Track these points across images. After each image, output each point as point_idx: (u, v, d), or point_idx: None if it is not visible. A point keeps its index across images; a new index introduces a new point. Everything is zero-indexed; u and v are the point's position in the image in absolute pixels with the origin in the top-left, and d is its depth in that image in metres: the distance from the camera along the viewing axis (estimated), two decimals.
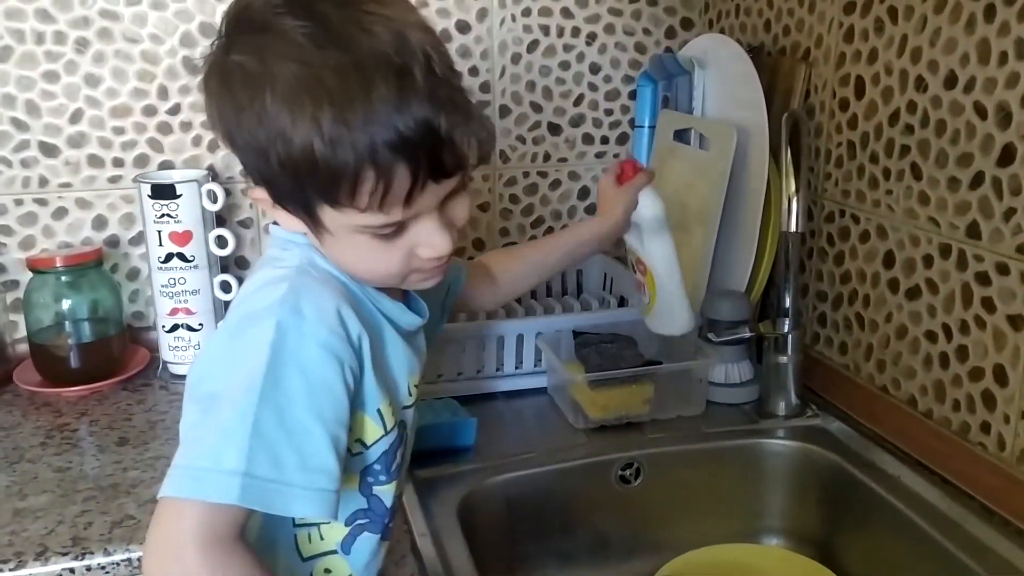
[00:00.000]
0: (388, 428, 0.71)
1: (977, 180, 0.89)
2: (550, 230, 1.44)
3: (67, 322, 1.19)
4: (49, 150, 1.23)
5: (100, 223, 1.27)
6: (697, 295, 1.17)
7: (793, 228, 0.97)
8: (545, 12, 1.35)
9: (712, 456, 1.06)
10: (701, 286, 1.17)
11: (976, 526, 0.87)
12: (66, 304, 1.19)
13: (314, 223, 0.65)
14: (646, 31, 1.39)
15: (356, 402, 0.67)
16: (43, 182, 1.24)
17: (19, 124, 1.21)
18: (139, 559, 0.84)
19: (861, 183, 1.06)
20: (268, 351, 0.61)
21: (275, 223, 0.71)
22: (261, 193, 0.67)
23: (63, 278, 1.18)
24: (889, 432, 1.03)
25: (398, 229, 0.65)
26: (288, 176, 0.61)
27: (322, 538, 0.72)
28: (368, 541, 0.74)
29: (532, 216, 1.43)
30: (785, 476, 1.06)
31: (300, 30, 0.59)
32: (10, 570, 0.83)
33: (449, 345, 1.12)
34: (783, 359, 1.08)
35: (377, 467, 0.71)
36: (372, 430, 0.70)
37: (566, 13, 1.35)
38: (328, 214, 0.63)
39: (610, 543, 1.04)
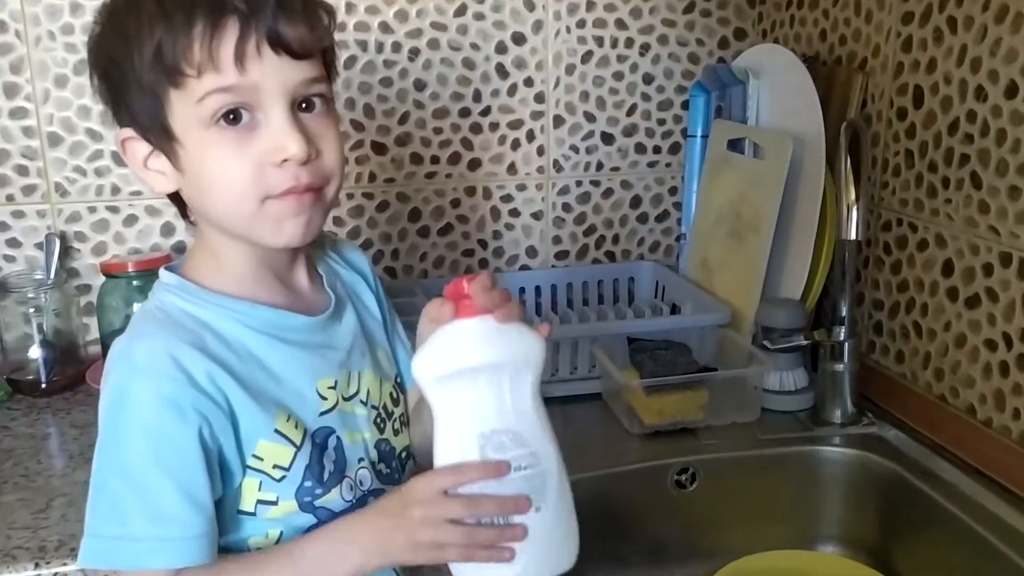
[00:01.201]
0: (299, 443, 0.69)
1: None
2: (602, 239, 1.46)
3: None
4: (121, 159, 1.27)
5: (168, 230, 1.31)
6: (752, 303, 1.17)
7: (852, 236, 0.98)
8: (599, 23, 1.37)
9: (768, 462, 1.07)
10: (756, 294, 1.18)
11: None
12: (136, 307, 1.23)
13: (168, 140, 0.65)
14: (699, 42, 1.41)
15: (243, 433, 0.67)
16: (115, 190, 1.29)
17: (94, 135, 1.26)
18: None
19: (919, 192, 1.06)
20: (109, 411, 0.65)
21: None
22: (128, 132, 0.68)
23: (134, 282, 1.23)
24: (947, 441, 1.03)
25: (249, 123, 0.64)
26: (137, 72, 0.63)
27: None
28: None
29: (584, 225, 1.45)
30: (841, 483, 1.06)
31: None
32: None
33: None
34: (839, 367, 1.08)
35: (308, 484, 0.70)
36: (282, 452, 0.68)
37: (620, 24, 1.37)
38: (176, 110, 0.64)
39: (666, 548, 1.05)
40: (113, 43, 0.65)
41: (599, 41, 1.38)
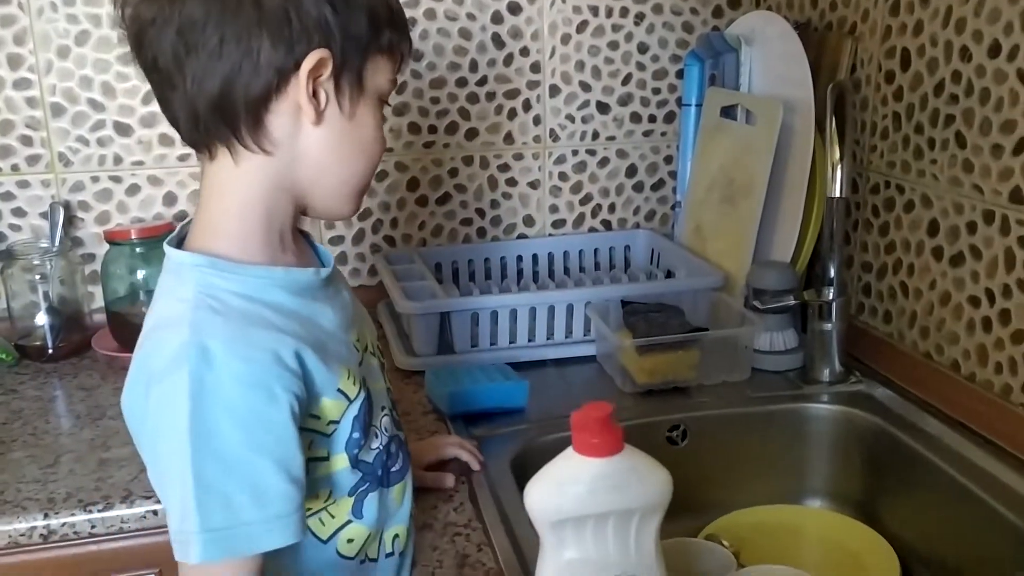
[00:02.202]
0: (353, 397, 0.71)
1: (1020, 145, 0.91)
2: (598, 208, 1.48)
3: (141, 292, 1.26)
4: (123, 130, 1.30)
5: (170, 199, 1.34)
6: (744, 266, 1.20)
7: (837, 193, 1.00)
8: None
9: (757, 419, 1.09)
10: (747, 258, 1.20)
11: (1016, 481, 0.90)
12: (140, 275, 1.26)
13: (359, 90, 0.69)
14: (693, 11, 1.42)
15: (312, 395, 0.67)
16: (117, 160, 1.31)
17: (96, 105, 1.28)
18: None
19: (906, 154, 1.08)
20: (188, 404, 0.61)
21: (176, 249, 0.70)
22: (323, 54, 0.65)
23: (137, 250, 1.25)
24: (932, 396, 1.05)
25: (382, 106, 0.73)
26: (370, 25, 0.68)
27: (333, 517, 0.73)
28: (380, 496, 0.75)
29: (581, 193, 1.47)
30: (828, 439, 1.09)
31: None
32: (99, 511, 0.89)
33: (502, 314, 1.17)
34: (827, 326, 1.10)
35: (356, 435, 0.71)
36: (338, 408, 0.70)
37: None
38: (378, 71, 0.70)
39: None
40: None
41: (594, 11, 1.39)
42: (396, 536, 0.77)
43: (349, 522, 0.73)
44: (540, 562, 0.62)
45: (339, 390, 0.69)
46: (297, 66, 0.65)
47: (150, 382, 0.64)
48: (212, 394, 0.62)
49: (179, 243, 0.71)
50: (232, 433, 0.62)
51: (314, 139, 0.68)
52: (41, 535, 0.88)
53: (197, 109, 0.65)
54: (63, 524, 0.88)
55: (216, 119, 0.65)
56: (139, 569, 0.93)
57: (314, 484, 0.70)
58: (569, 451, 0.60)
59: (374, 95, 0.71)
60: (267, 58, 0.64)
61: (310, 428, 0.68)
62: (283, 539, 0.64)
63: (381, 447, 0.74)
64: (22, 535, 0.88)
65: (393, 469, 0.76)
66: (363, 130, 0.70)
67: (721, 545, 0.94)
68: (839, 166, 0.99)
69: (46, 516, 0.88)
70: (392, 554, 0.77)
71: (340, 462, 0.71)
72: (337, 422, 0.70)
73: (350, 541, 0.73)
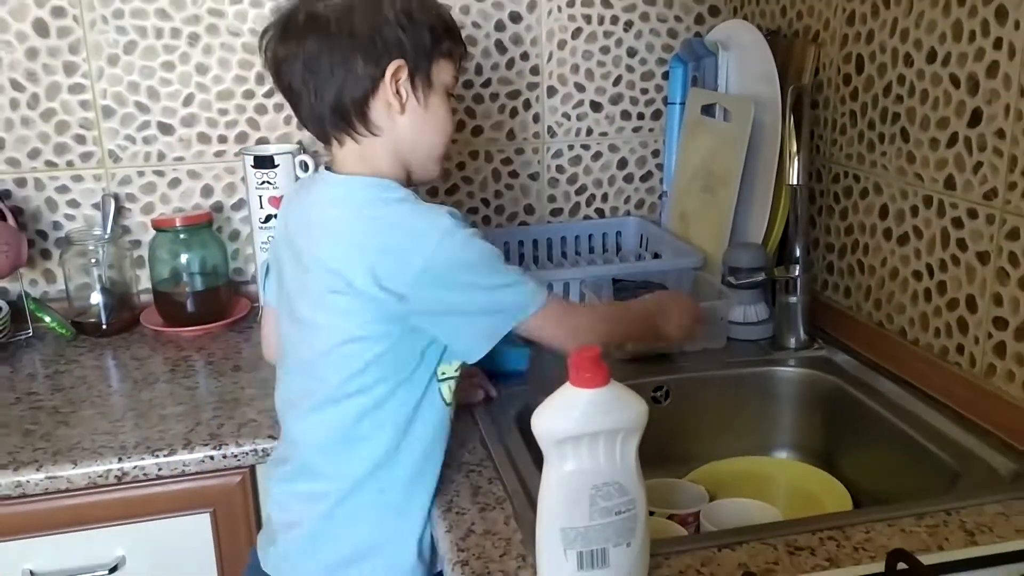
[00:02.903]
0: None
1: (952, 140, 1.06)
2: (592, 197, 1.63)
3: (184, 274, 1.41)
4: (166, 129, 1.45)
5: (207, 191, 1.49)
6: (722, 248, 1.34)
7: (794, 181, 1.15)
8: (587, 3, 1.53)
9: (731, 381, 1.24)
10: (725, 240, 1.35)
11: (951, 429, 1.04)
12: (183, 258, 1.41)
13: (426, 85, 0.94)
14: (677, 18, 1.57)
15: None
16: (161, 156, 1.46)
17: (142, 107, 1.43)
18: (263, 449, 1.06)
19: (861, 147, 1.23)
20: (471, 237, 0.91)
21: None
22: (399, 63, 0.92)
23: (181, 236, 1.40)
24: (884, 359, 1.20)
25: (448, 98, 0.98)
26: (431, 37, 0.93)
27: (451, 390, 0.97)
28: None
29: (576, 184, 1.62)
30: (794, 398, 1.24)
31: None
32: (164, 456, 1.05)
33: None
34: (793, 299, 1.25)
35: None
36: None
37: (606, 4, 1.54)
38: (441, 70, 0.95)
39: (644, 454, 1.20)
40: (420, 13, 0.94)
41: (587, 19, 1.54)
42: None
43: (450, 405, 0.98)
44: (545, 474, 0.75)
45: None
46: (383, 74, 0.92)
47: (430, 250, 0.89)
48: (464, 236, 0.91)
49: None
50: (485, 248, 0.93)
51: (404, 123, 0.95)
52: (116, 476, 1.03)
53: (322, 114, 0.93)
54: (134, 467, 1.04)
55: (336, 118, 0.93)
56: (197, 508, 1.08)
57: (450, 355, 0.95)
58: (567, 385, 0.74)
59: (442, 89, 0.96)
60: (362, 71, 0.91)
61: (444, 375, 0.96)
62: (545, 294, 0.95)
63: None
64: (100, 476, 1.03)
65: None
66: (437, 114, 0.96)
67: (697, 486, 1.09)
68: (796, 157, 1.14)
69: (120, 460, 1.04)
70: (451, 404, 0.99)
71: (455, 373, 0.97)
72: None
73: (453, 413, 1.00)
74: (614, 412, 0.72)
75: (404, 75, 0.93)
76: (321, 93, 0.92)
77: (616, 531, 0.74)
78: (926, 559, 0.77)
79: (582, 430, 0.71)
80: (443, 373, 0.95)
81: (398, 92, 0.93)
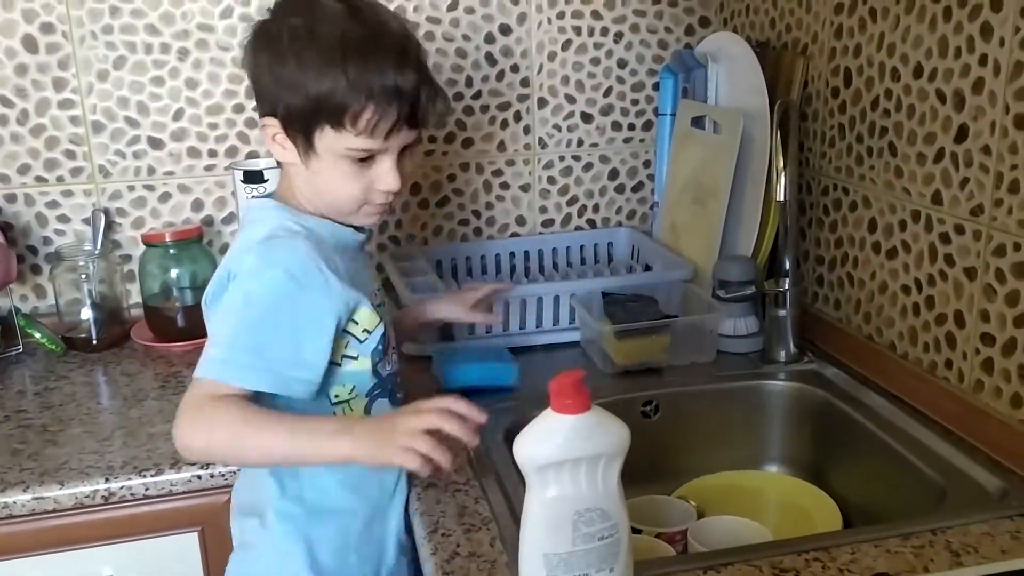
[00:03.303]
0: (380, 316, 0.96)
1: (939, 155, 1.06)
2: (583, 208, 1.63)
3: (174, 288, 1.41)
4: (156, 143, 1.45)
5: (197, 205, 1.49)
6: (711, 260, 1.34)
7: (781, 197, 1.15)
8: (577, 15, 1.53)
9: (721, 395, 1.24)
10: (715, 252, 1.35)
11: (939, 445, 1.04)
12: (173, 273, 1.41)
13: (308, 148, 0.90)
14: (667, 29, 1.57)
15: (351, 301, 0.92)
16: (151, 171, 1.46)
17: (132, 122, 1.43)
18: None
19: (850, 160, 1.23)
20: (249, 283, 0.87)
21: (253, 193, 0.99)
22: (272, 121, 0.91)
23: (171, 251, 1.40)
24: (873, 373, 1.20)
25: (368, 160, 0.90)
26: (311, 105, 0.87)
27: (351, 410, 0.96)
28: (383, 408, 0.98)
29: (567, 195, 1.62)
30: (784, 412, 1.24)
31: (338, 7, 0.89)
32: (151, 476, 1.04)
33: (496, 305, 1.32)
34: (782, 312, 1.25)
35: (379, 347, 0.96)
36: (371, 318, 0.94)
37: (596, 15, 1.54)
38: (326, 138, 0.89)
39: (633, 469, 1.18)
40: (291, 63, 0.88)
41: (577, 31, 1.54)
42: None
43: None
44: (527, 501, 0.75)
45: (372, 304, 0.95)
46: (261, 123, 0.93)
47: (229, 263, 0.91)
48: (266, 281, 0.87)
49: None
50: (278, 310, 0.87)
51: (299, 169, 0.93)
52: (103, 496, 1.03)
53: None
54: (121, 487, 1.04)
55: None
56: (185, 527, 1.08)
57: (345, 377, 0.94)
58: (548, 411, 0.74)
59: (333, 154, 0.90)
60: (257, 112, 0.95)
61: (350, 332, 0.93)
62: (276, 387, 0.87)
63: (393, 371, 1.00)
64: (87, 496, 1.03)
65: (397, 395, 1.01)
66: (324, 177, 0.92)
67: (686, 502, 1.09)
68: (783, 173, 1.13)
69: (107, 480, 1.03)
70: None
71: (365, 363, 0.95)
72: (370, 332, 0.95)
73: None
74: (596, 438, 0.72)
75: (277, 132, 0.91)
76: None
77: (599, 556, 0.74)
78: None
79: (564, 456, 0.71)
80: (336, 396, 0.95)
81: (276, 143, 0.92)
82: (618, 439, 0.73)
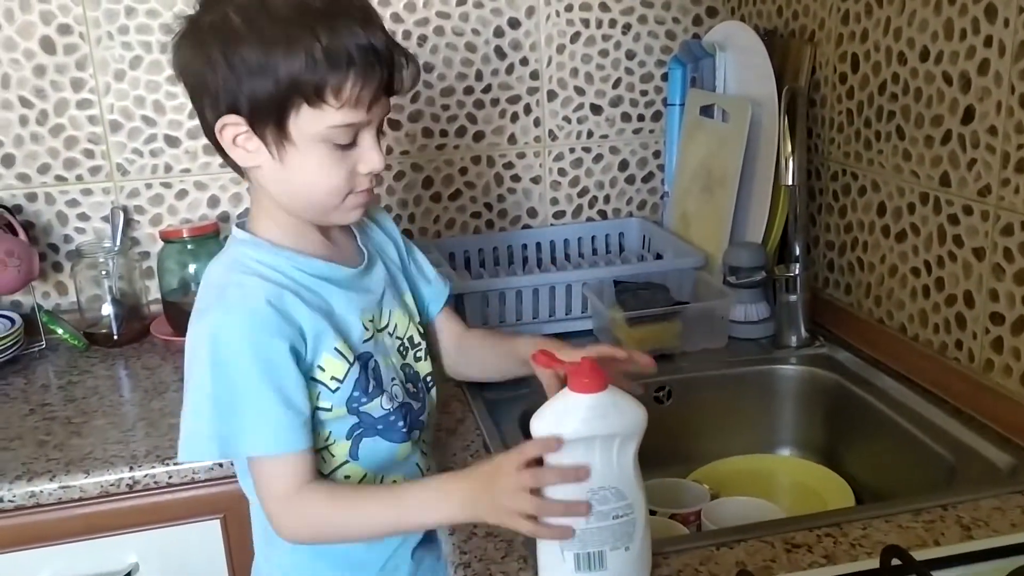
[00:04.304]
0: (351, 361, 0.87)
1: (946, 137, 1.07)
2: (594, 199, 1.64)
3: (192, 284, 1.43)
4: (172, 141, 1.47)
5: (213, 202, 1.51)
6: (722, 248, 1.35)
7: (790, 182, 1.16)
8: (585, 7, 1.54)
9: (733, 380, 1.25)
10: (725, 240, 1.36)
11: (950, 424, 1.05)
12: (191, 268, 1.43)
13: (281, 140, 0.80)
14: (675, 20, 1.58)
15: (315, 349, 0.84)
16: (168, 168, 1.48)
17: (148, 120, 1.46)
18: None
19: (858, 145, 1.24)
20: (209, 342, 0.80)
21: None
22: (233, 119, 0.80)
23: (188, 247, 1.42)
24: (884, 356, 1.21)
25: (349, 144, 0.82)
26: (284, 86, 0.77)
27: (333, 455, 0.88)
28: (377, 445, 0.89)
29: (578, 187, 1.63)
30: (795, 396, 1.25)
31: None
32: (174, 464, 1.07)
33: (509, 295, 1.33)
34: (793, 297, 1.26)
35: (356, 393, 0.87)
36: (337, 366, 0.86)
37: (603, 7, 1.55)
38: (302, 122, 0.79)
39: (647, 454, 1.21)
40: (251, 43, 0.77)
41: (585, 23, 1.55)
42: (394, 481, 0.92)
43: (346, 462, 0.89)
44: None
45: (336, 348, 0.86)
46: (213, 128, 0.82)
47: (193, 319, 0.84)
48: (229, 336, 0.80)
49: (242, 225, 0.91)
50: (243, 365, 0.80)
51: (262, 175, 0.84)
52: (127, 485, 1.06)
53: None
54: (145, 475, 1.06)
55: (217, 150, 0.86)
56: (208, 514, 1.10)
57: (317, 426, 0.86)
58: (565, 390, 0.75)
59: (311, 138, 0.80)
60: (205, 114, 0.83)
61: (318, 379, 0.85)
62: (274, 448, 0.81)
63: (392, 409, 0.90)
64: (112, 485, 1.05)
65: (402, 430, 0.91)
66: (301, 168, 0.82)
67: (700, 485, 1.10)
68: (791, 158, 1.15)
69: (131, 469, 1.06)
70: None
71: (341, 414, 0.87)
72: (341, 381, 0.86)
73: (347, 477, 0.89)
74: (611, 417, 0.73)
75: (241, 131, 0.81)
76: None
77: (613, 535, 0.75)
78: (922, 554, 0.78)
79: (579, 434, 0.73)
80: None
81: (237, 146, 0.82)
82: (634, 419, 0.74)
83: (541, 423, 0.75)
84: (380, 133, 0.85)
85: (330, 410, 0.87)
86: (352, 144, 0.83)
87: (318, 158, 0.82)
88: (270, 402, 0.81)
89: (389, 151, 1.54)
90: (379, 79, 0.80)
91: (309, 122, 0.80)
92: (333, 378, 0.86)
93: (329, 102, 0.79)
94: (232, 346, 0.80)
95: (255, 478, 0.84)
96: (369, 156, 0.84)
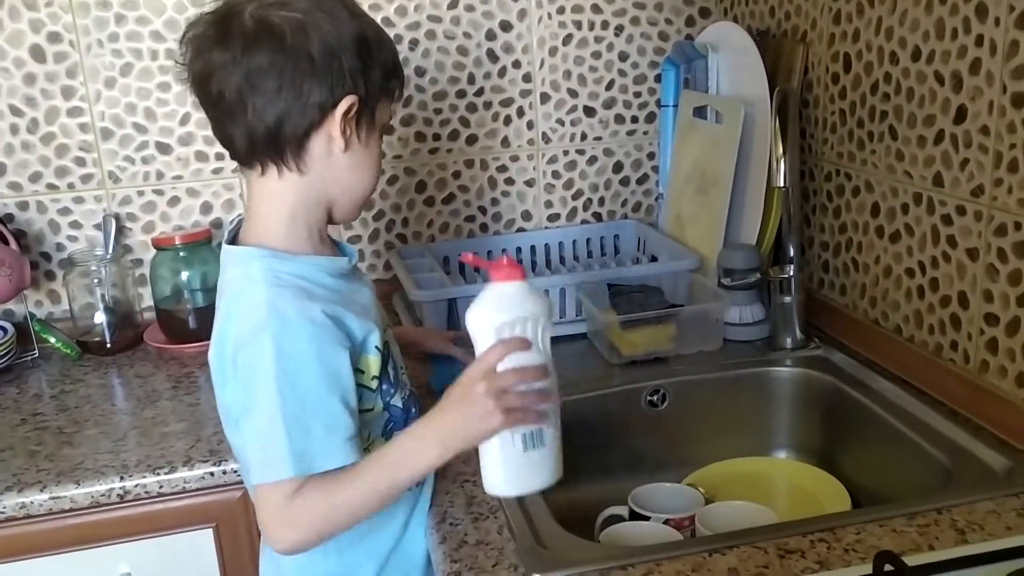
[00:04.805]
0: (385, 353, 0.90)
1: (939, 137, 1.06)
2: (589, 202, 1.64)
3: (185, 291, 1.43)
4: (164, 148, 1.47)
5: (206, 208, 1.51)
6: (716, 249, 1.35)
7: (781, 183, 1.15)
8: (577, 9, 1.54)
9: (728, 383, 1.24)
10: (719, 241, 1.35)
11: (946, 426, 1.04)
12: (184, 276, 1.43)
13: (370, 128, 0.87)
14: (668, 21, 1.57)
15: (361, 350, 0.86)
16: (159, 176, 1.48)
17: (139, 128, 1.45)
18: None
19: (851, 145, 1.23)
20: (274, 359, 0.79)
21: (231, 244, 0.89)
22: (351, 99, 0.84)
23: (181, 254, 1.42)
24: (880, 357, 1.20)
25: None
26: (385, 73, 0.87)
27: (371, 450, 0.89)
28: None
29: (572, 189, 1.63)
30: (791, 398, 1.24)
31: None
32: (165, 473, 1.06)
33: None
34: (788, 299, 1.25)
35: (385, 387, 0.91)
36: (376, 363, 0.89)
37: (595, 9, 1.54)
38: (381, 111, 0.88)
39: (642, 458, 1.23)
40: (368, 33, 0.86)
41: (578, 25, 1.55)
42: None
43: None
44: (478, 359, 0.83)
45: (377, 347, 0.88)
46: (334, 107, 0.84)
47: (237, 348, 0.82)
48: (293, 351, 0.80)
49: (232, 240, 0.89)
50: (312, 378, 0.81)
51: (342, 162, 0.87)
52: (118, 495, 1.05)
53: (256, 136, 0.83)
54: (136, 485, 1.05)
55: (269, 145, 0.84)
56: (200, 524, 1.10)
57: (363, 429, 0.87)
58: (492, 284, 0.82)
59: (380, 128, 0.90)
60: (312, 100, 0.83)
61: (360, 383, 0.87)
62: (346, 459, 0.82)
63: (407, 396, 0.95)
64: (102, 495, 1.05)
65: (414, 412, 0.95)
66: (373, 155, 0.90)
67: (695, 489, 1.09)
68: (783, 160, 1.14)
69: (122, 479, 1.05)
70: (419, 485, 0.95)
71: (379, 412, 0.91)
72: (379, 378, 0.89)
73: None
74: (533, 300, 0.82)
75: (354, 111, 0.85)
76: (261, 114, 0.82)
77: (549, 413, 0.83)
78: (916, 559, 0.77)
79: (515, 315, 0.81)
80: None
81: (344, 129, 0.85)
82: (547, 302, 0.84)
83: (480, 312, 0.82)
84: None
85: (371, 410, 0.90)
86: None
87: (377, 150, 0.91)
88: (339, 413, 0.82)
89: (382, 155, 1.53)
90: (402, 85, 0.92)
91: (382, 113, 0.89)
92: (373, 377, 0.89)
93: (396, 97, 0.90)
94: (300, 359, 0.81)
95: (264, 493, 0.82)
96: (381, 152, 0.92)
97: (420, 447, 0.83)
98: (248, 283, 0.84)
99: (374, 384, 0.89)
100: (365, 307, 0.91)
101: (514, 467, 0.83)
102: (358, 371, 0.86)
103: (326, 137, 0.85)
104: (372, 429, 0.90)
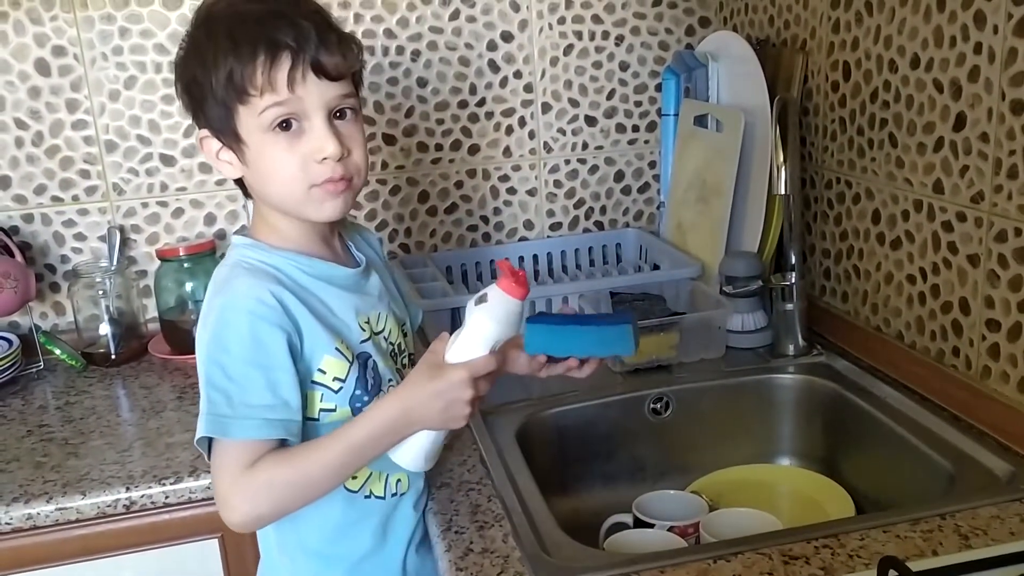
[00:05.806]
0: (351, 360, 0.90)
1: (938, 144, 1.07)
2: (591, 211, 1.64)
3: (189, 302, 1.44)
4: (168, 160, 1.48)
5: (210, 219, 1.51)
6: (718, 257, 1.35)
7: (782, 191, 1.16)
8: (578, 20, 1.55)
9: (731, 390, 1.25)
10: (721, 249, 1.36)
11: (948, 432, 1.04)
12: (188, 287, 1.44)
13: (238, 142, 0.86)
14: (668, 30, 1.58)
15: (312, 351, 0.88)
16: (163, 187, 1.49)
17: (144, 140, 1.46)
18: None
19: (851, 153, 1.24)
20: (216, 327, 0.84)
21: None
22: (204, 133, 0.88)
23: (185, 265, 1.43)
24: (882, 364, 1.20)
25: (296, 129, 0.84)
26: (219, 94, 0.84)
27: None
28: None
29: (574, 198, 1.63)
30: (794, 405, 1.24)
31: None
32: (171, 484, 1.07)
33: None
34: (790, 306, 1.26)
35: (358, 392, 0.91)
36: (339, 365, 0.89)
37: (596, 19, 1.55)
38: (243, 121, 0.84)
39: (645, 465, 1.24)
40: (195, 67, 0.86)
41: (578, 35, 1.56)
42: (399, 480, 0.95)
43: None
44: (463, 337, 0.88)
45: (336, 348, 0.89)
46: (200, 141, 0.90)
47: (202, 315, 0.88)
48: (231, 322, 0.84)
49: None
50: (238, 350, 0.84)
51: (247, 183, 0.90)
52: (124, 506, 1.05)
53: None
54: (142, 495, 1.06)
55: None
56: (205, 534, 1.10)
57: (324, 429, 0.88)
58: (503, 293, 0.87)
59: (257, 133, 0.85)
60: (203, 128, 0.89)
61: (319, 382, 0.88)
62: (263, 433, 0.83)
63: None
64: (108, 506, 1.05)
65: None
66: (261, 165, 0.87)
67: (699, 497, 1.10)
68: (784, 168, 1.15)
69: (127, 489, 1.06)
70: (395, 494, 0.95)
71: (345, 412, 0.90)
72: (343, 381, 0.89)
73: (354, 478, 0.92)
74: (520, 321, 0.91)
75: (215, 147, 0.88)
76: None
77: None
78: (919, 564, 0.78)
79: (511, 335, 0.90)
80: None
81: (217, 155, 0.89)
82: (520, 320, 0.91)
83: (487, 319, 0.87)
84: (333, 119, 0.86)
85: (334, 410, 0.90)
86: (300, 132, 0.85)
87: (269, 150, 0.85)
88: (258, 388, 0.84)
89: (384, 166, 1.54)
90: (292, 58, 0.83)
91: (247, 118, 0.85)
92: (335, 379, 0.89)
93: (251, 92, 0.83)
94: (232, 328, 0.84)
95: (214, 459, 0.85)
96: (318, 141, 0.85)
97: (385, 435, 0.87)
98: (222, 266, 0.91)
99: (336, 385, 0.89)
100: (333, 309, 0.91)
101: (433, 452, 0.91)
102: (319, 371, 0.88)
103: (227, 152, 0.89)
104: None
